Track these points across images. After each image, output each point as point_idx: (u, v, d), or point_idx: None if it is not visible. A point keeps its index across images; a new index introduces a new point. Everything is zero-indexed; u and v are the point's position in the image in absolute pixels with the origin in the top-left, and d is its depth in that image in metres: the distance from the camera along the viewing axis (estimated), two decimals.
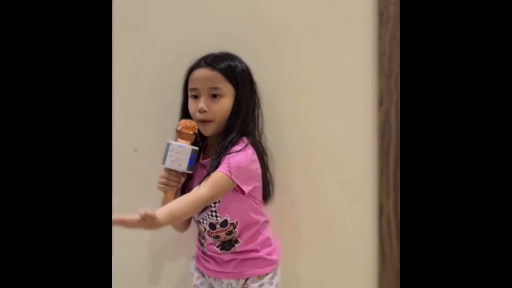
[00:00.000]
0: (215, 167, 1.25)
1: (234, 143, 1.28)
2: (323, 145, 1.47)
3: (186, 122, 1.30)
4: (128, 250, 1.53)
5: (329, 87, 1.47)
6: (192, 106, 1.32)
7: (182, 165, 1.27)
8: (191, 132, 1.30)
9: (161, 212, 1.14)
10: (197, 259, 1.42)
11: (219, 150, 1.28)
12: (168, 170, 1.28)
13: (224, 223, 1.31)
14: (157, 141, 1.48)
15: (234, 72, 1.32)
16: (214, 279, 1.38)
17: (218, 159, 1.26)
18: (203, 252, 1.39)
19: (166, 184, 1.29)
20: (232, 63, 1.32)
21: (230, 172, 1.23)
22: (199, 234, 1.38)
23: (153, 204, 1.48)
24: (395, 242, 1.47)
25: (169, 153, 1.27)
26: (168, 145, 1.27)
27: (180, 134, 1.29)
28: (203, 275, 1.41)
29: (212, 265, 1.37)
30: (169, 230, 1.49)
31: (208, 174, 1.25)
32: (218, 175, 1.23)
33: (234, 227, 1.32)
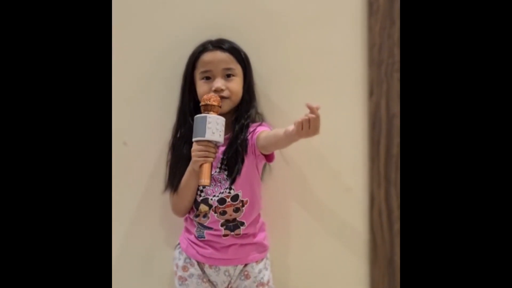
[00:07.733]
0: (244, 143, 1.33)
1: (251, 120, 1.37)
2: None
3: (211, 96, 1.30)
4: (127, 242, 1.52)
5: (319, 78, 1.47)
6: (204, 87, 1.35)
7: (221, 136, 1.28)
8: (218, 105, 1.29)
9: None
10: (188, 247, 1.39)
11: (240, 126, 1.34)
12: (207, 142, 1.27)
13: (235, 198, 1.34)
14: (147, 134, 1.49)
15: (240, 54, 1.39)
16: (210, 266, 1.36)
17: (244, 134, 1.34)
18: (198, 238, 1.37)
19: (207, 157, 1.27)
20: (236, 46, 1.39)
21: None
22: (196, 216, 1.37)
23: (150, 195, 1.50)
24: (387, 232, 1.48)
25: (208, 125, 1.25)
26: (205, 117, 1.26)
27: (210, 107, 1.28)
28: (192, 265, 1.37)
29: (209, 252, 1.36)
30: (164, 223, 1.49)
31: (237, 151, 1.32)
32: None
33: (243, 205, 1.34)
